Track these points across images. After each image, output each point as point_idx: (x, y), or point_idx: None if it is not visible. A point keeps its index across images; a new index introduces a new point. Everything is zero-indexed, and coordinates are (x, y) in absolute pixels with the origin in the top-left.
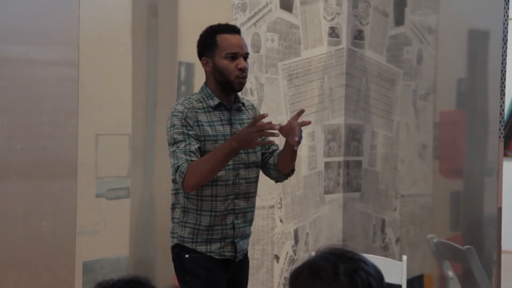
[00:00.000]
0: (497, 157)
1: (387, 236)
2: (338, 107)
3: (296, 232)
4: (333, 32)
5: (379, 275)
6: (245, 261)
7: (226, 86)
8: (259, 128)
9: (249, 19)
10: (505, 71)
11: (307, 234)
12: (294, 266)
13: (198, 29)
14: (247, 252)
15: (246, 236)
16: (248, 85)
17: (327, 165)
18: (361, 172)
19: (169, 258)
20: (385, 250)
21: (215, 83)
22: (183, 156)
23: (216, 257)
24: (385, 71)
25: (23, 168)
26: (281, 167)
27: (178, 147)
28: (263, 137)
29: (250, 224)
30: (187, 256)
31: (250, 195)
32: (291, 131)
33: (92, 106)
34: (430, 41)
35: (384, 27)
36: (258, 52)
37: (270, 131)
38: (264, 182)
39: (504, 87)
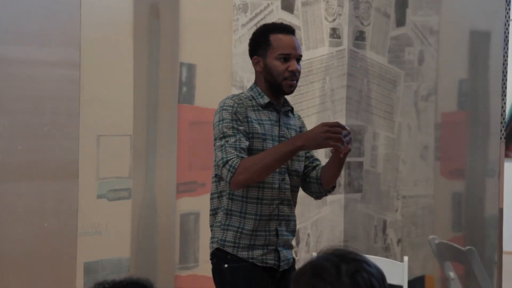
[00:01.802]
0: (499, 158)
1: (388, 237)
2: (340, 108)
3: (297, 233)
4: (335, 33)
5: (381, 276)
6: (291, 271)
7: (275, 87)
8: (329, 129)
9: (250, 20)
10: (507, 72)
11: (309, 235)
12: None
13: (199, 30)
14: (293, 263)
15: (290, 246)
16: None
17: None
18: (362, 173)
19: (170, 259)
20: (386, 251)
21: (265, 83)
22: (233, 151)
23: (259, 264)
24: (386, 72)
25: (24, 168)
26: (325, 181)
27: (227, 141)
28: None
29: (293, 235)
30: (226, 266)
31: (292, 203)
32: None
33: (93, 107)
34: (432, 42)
35: (385, 28)
36: None
37: (338, 135)
38: None
39: (506, 88)
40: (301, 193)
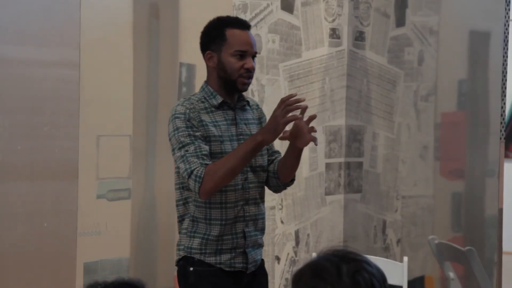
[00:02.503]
0: (498, 158)
1: (388, 237)
2: (339, 108)
3: (297, 233)
4: (334, 33)
5: (382, 276)
6: (261, 275)
7: (228, 84)
8: (284, 106)
9: (250, 20)
10: (506, 72)
11: (308, 235)
12: (295, 268)
13: (199, 30)
14: (262, 264)
15: (259, 246)
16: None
17: (328, 166)
18: (362, 173)
19: (170, 259)
20: (386, 251)
21: (217, 80)
22: (195, 160)
23: (226, 269)
24: (386, 72)
25: (24, 169)
26: (282, 175)
27: (187, 151)
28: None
29: (262, 233)
30: (191, 269)
31: (259, 201)
32: (300, 133)
33: (93, 107)
34: (431, 42)
35: (385, 28)
36: (259, 53)
37: (297, 104)
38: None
39: (505, 88)
40: (301, 193)
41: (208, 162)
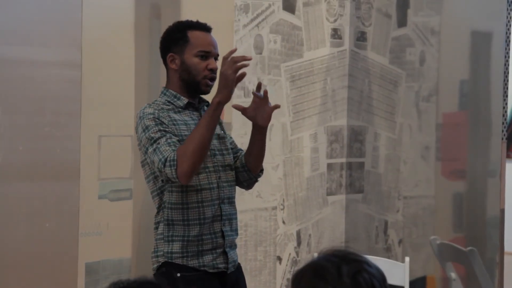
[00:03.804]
0: (500, 159)
1: (389, 237)
2: (341, 108)
3: (298, 234)
4: (336, 34)
5: (382, 277)
6: (240, 275)
7: (191, 86)
8: (231, 61)
9: (252, 20)
10: (508, 72)
11: (310, 235)
12: (296, 268)
13: None
14: (239, 265)
15: (235, 246)
16: (251, 86)
17: (329, 166)
18: (363, 173)
19: None
20: (387, 252)
21: (179, 83)
22: (167, 148)
23: (210, 270)
24: (387, 73)
25: (26, 169)
26: (251, 166)
27: (158, 143)
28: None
29: (237, 234)
30: (178, 275)
31: (232, 200)
32: (259, 110)
33: (94, 107)
34: (433, 43)
35: (386, 29)
36: (260, 53)
37: (243, 62)
38: (267, 182)
39: (507, 88)
40: (302, 193)
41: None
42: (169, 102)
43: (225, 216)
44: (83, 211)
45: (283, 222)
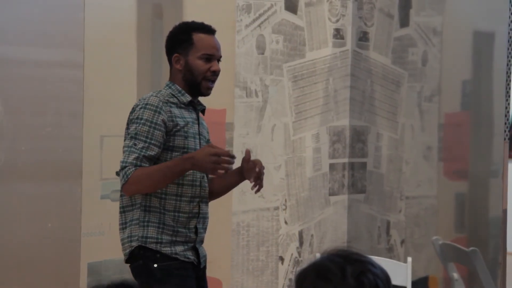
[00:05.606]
0: (502, 159)
1: (392, 237)
2: (343, 108)
3: (300, 234)
4: (338, 34)
5: (386, 278)
6: (205, 271)
7: (193, 87)
8: (216, 159)
9: (254, 20)
10: (510, 72)
11: (312, 235)
12: (299, 268)
13: None
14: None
15: (203, 242)
16: (253, 86)
17: (332, 166)
18: (366, 173)
19: None
20: (389, 252)
21: (182, 83)
22: (135, 156)
23: (181, 259)
24: (390, 73)
25: (28, 169)
26: (212, 193)
27: (135, 144)
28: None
29: (205, 231)
30: (155, 266)
31: (208, 200)
32: (251, 171)
33: (96, 107)
34: (435, 43)
35: (389, 29)
36: (262, 53)
37: (226, 165)
38: (269, 182)
39: (509, 88)
40: (305, 194)
41: (144, 165)
42: (173, 95)
43: (202, 215)
44: (85, 211)
45: (285, 222)
